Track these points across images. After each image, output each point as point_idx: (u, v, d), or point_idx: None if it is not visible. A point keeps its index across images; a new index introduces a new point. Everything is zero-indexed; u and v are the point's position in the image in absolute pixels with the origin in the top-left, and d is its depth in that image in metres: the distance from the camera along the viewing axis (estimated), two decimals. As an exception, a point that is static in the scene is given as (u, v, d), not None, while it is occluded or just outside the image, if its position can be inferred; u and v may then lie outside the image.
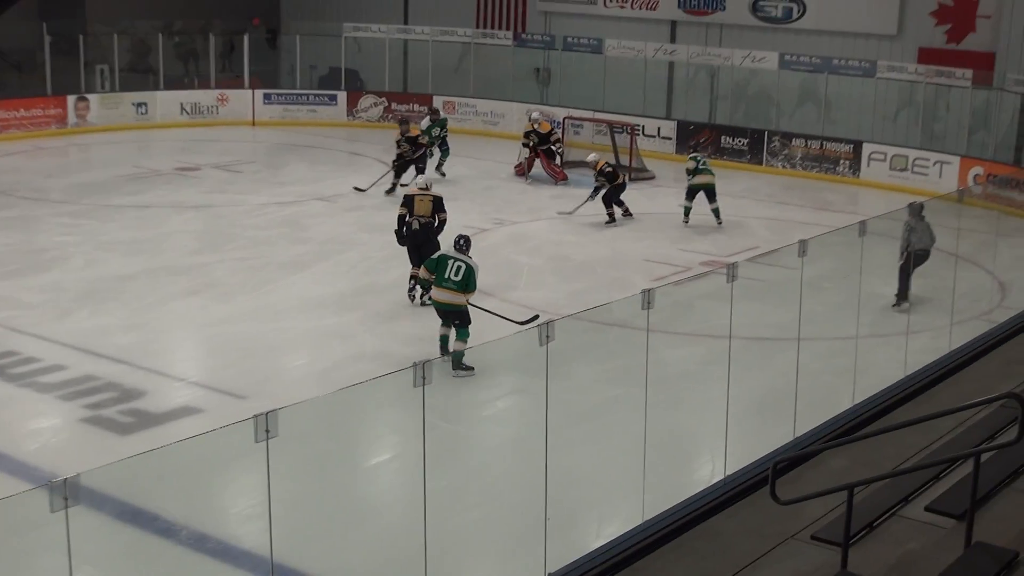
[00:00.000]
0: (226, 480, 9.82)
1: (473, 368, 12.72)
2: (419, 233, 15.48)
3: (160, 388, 12.78)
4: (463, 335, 13.02)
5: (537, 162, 24.65)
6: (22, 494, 6.92)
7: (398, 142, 22.58)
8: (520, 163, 24.90)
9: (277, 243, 18.92)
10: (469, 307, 13.24)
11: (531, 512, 8.38)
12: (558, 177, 24.39)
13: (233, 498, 9.93)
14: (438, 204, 15.66)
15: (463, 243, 13.46)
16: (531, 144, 24.46)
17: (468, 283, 13.04)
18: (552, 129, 25.12)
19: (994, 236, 18.48)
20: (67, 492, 5.29)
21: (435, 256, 13.55)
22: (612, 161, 22.52)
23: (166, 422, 11.71)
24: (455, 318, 13.15)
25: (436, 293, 13.27)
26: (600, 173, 20.83)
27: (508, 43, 31.74)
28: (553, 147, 24.70)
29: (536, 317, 13.75)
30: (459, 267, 13.04)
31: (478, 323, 13.24)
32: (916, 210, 16.55)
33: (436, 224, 15.59)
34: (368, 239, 19.31)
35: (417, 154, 22.63)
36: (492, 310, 13.75)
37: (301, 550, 8.81)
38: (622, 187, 21.08)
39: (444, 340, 13.32)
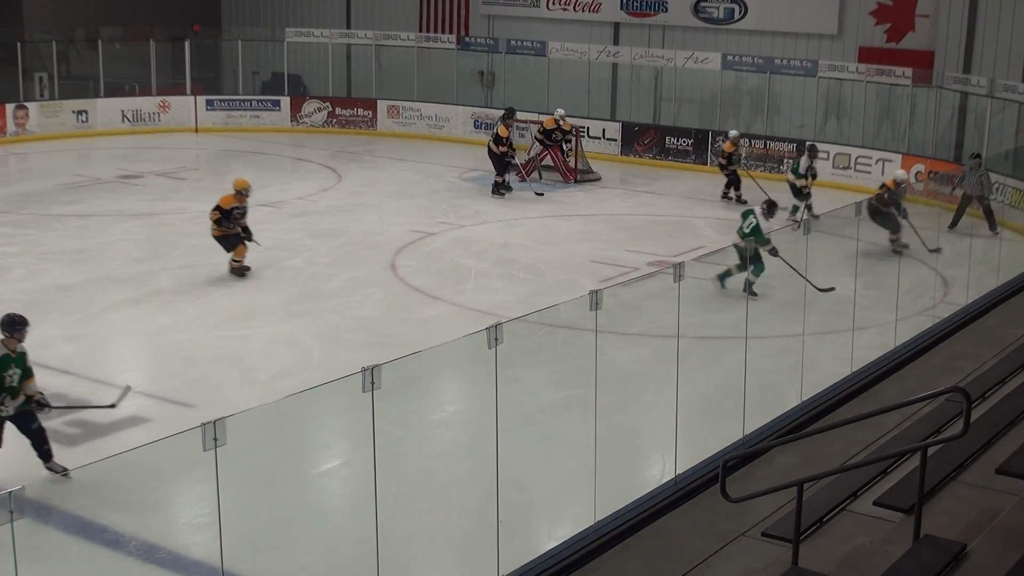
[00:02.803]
0: (175, 490, 9.74)
1: (758, 294, 15.63)
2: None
3: (106, 398, 12.62)
4: (759, 270, 15.91)
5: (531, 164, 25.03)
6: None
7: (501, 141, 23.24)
8: (530, 160, 25.01)
9: (221, 250, 18.73)
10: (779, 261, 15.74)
11: (483, 515, 8.37)
12: (570, 176, 24.64)
13: (182, 507, 9.85)
14: None
15: (767, 207, 16.63)
16: (557, 139, 24.82)
17: (755, 234, 16.30)
18: (572, 128, 25.40)
19: (936, 232, 18.73)
20: (13, 505, 5.22)
21: (744, 210, 17.40)
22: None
23: (113, 432, 11.57)
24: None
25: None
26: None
27: (451, 47, 31.68)
28: (565, 145, 25.10)
29: (833, 289, 14.95)
30: (751, 223, 16.54)
31: (429, 327, 13.15)
32: (973, 158, 20.12)
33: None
34: (314, 245, 19.21)
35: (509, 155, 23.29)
36: (797, 269, 14.45)
37: (252, 559, 8.75)
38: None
39: (727, 274, 16.22)
